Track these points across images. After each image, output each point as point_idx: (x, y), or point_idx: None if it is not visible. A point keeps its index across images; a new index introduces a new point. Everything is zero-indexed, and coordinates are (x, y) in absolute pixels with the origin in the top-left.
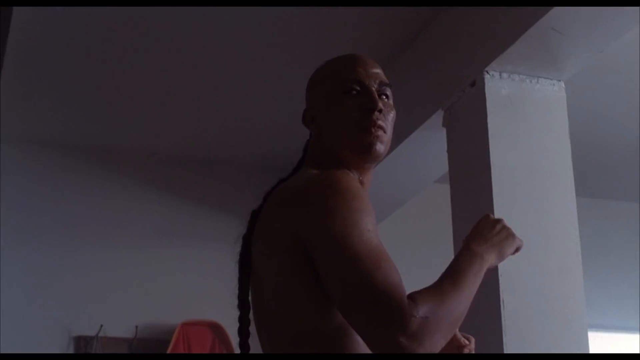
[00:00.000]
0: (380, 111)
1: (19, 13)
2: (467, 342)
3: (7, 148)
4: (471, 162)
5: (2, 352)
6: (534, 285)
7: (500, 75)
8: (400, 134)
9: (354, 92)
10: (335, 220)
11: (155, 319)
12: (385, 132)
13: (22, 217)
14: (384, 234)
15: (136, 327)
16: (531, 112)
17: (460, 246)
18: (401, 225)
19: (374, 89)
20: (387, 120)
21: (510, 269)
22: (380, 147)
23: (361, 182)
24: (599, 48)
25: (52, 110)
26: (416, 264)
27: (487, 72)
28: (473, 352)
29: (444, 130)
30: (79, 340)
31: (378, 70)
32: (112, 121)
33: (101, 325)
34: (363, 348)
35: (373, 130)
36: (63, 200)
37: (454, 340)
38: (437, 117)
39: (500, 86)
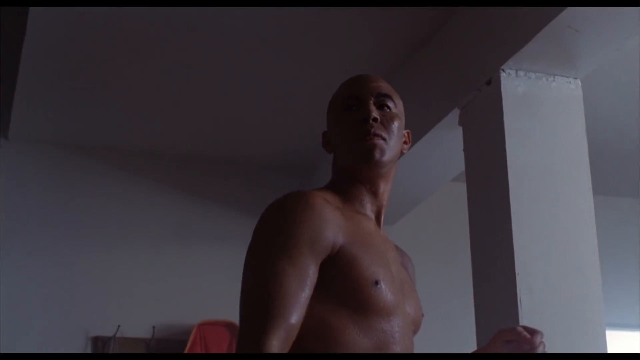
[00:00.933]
0: (375, 120)
1: (34, 14)
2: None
3: (19, 147)
4: (487, 161)
5: (20, 352)
6: (551, 284)
7: (516, 73)
8: (417, 133)
9: (353, 107)
10: (251, 251)
11: (173, 319)
12: (384, 139)
13: (36, 218)
14: (400, 232)
15: (153, 327)
16: (547, 110)
17: (477, 245)
18: (417, 224)
19: (370, 100)
20: (389, 129)
21: (527, 268)
22: (378, 154)
23: (374, 193)
24: (616, 45)
25: (64, 109)
26: (433, 263)
27: (503, 71)
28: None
29: (460, 129)
30: (96, 340)
31: (379, 84)
32: (125, 120)
33: (118, 326)
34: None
35: (368, 138)
36: (78, 200)
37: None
38: (453, 116)
39: (517, 84)
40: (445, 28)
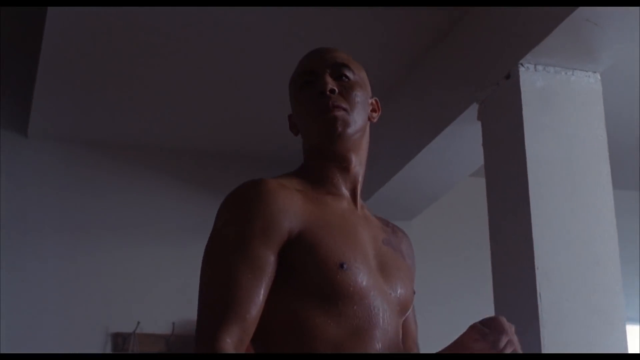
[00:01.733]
0: (333, 92)
1: (53, 13)
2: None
3: (39, 145)
4: (506, 155)
5: (41, 350)
6: (571, 278)
7: (535, 67)
8: (435, 128)
9: (310, 83)
10: (207, 245)
11: (192, 315)
12: (345, 110)
13: (56, 215)
14: (419, 227)
15: (173, 323)
16: (567, 104)
17: (497, 239)
18: (437, 219)
19: (326, 73)
20: (349, 99)
21: (546, 262)
22: (340, 126)
23: (345, 169)
24: (635, 39)
25: (83, 107)
26: (452, 258)
27: (522, 65)
28: (515, 344)
29: (479, 124)
30: (116, 337)
31: (334, 54)
32: (144, 117)
33: (138, 322)
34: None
35: (328, 112)
36: (98, 197)
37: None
38: (472, 111)
39: (535, 79)
40: (463, 23)
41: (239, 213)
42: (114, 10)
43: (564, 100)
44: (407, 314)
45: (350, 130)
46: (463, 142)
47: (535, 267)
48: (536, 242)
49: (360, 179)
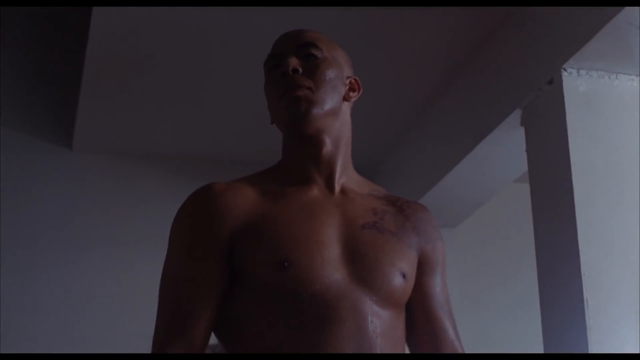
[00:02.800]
0: (296, 71)
1: (96, 25)
2: None
3: (84, 158)
4: (551, 161)
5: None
6: (618, 284)
7: (578, 72)
8: (479, 134)
9: (274, 67)
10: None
11: None
12: (310, 88)
13: (101, 227)
14: (463, 235)
15: None
16: (610, 109)
17: (542, 245)
18: (481, 226)
19: (291, 54)
20: (315, 77)
21: (593, 268)
22: (304, 105)
23: (316, 154)
24: None
25: (127, 119)
26: (497, 265)
27: (565, 70)
28: None
29: (522, 129)
30: None
31: (300, 35)
32: (189, 129)
33: None
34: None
35: (289, 90)
36: (142, 209)
37: None
38: (515, 116)
39: (578, 83)
40: (505, 28)
41: (181, 225)
42: (158, 20)
43: (607, 104)
44: (401, 300)
45: (316, 110)
46: (506, 148)
47: (582, 273)
48: (582, 247)
49: (340, 161)
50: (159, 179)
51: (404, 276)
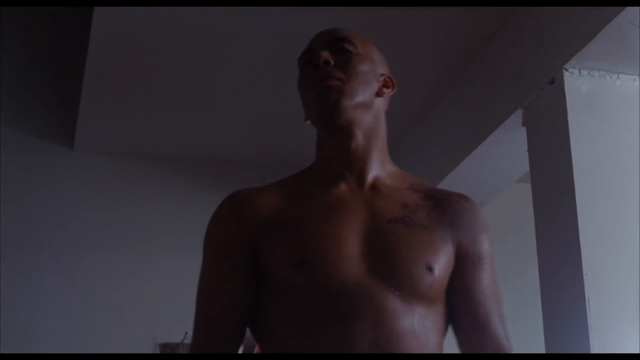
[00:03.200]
0: (327, 63)
1: (98, 25)
2: None
3: (85, 158)
4: (552, 161)
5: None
6: (619, 284)
7: (579, 72)
8: (480, 135)
9: (307, 62)
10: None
11: None
12: (341, 79)
13: (103, 227)
14: None
15: None
16: (612, 109)
17: (544, 245)
18: None
19: (324, 48)
20: (347, 69)
21: (594, 268)
22: (334, 94)
23: (347, 147)
24: None
25: (128, 119)
26: (499, 265)
27: (566, 70)
28: None
29: (524, 129)
30: (164, 347)
31: (334, 30)
32: (189, 129)
33: (186, 332)
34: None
35: (320, 81)
36: (144, 209)
37: None
38: (517, 116)
39: (580, 83)
40: (507, 29)
41: (209, 232)
42: (160, 21)
43: (609, 104)
44: (429, 294)
45: (347, 101)
46: (508, 148)
47: (584, 273)
48: (584, 247)
49: (373, 156)
50: (159, 179)
51: (430, 269)
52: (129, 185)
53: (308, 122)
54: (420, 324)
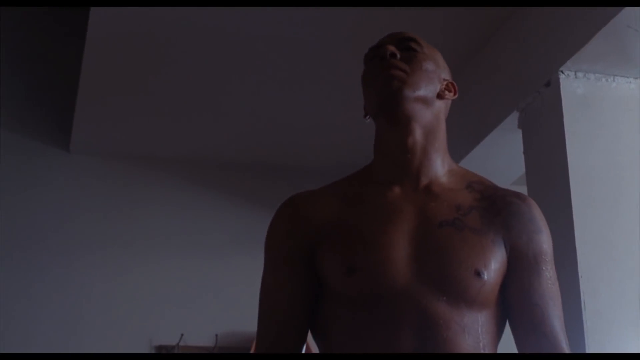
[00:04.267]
0: (394, 56)
1: (94, 27)
2: None
3: (81, 160)
4: (548, 163)
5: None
6: (615, 287)
7: (575, 74)
8: (476, 137)
9: (374, 57)
10: None
11: (236, 327)
12: (405, 71)
13: (99, 229)
14: None
15: (216, 335)
16: (608, 111)
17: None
18: None
19: (390, 44)
20: (412, 64)
21: (590, 271)
22: (397, 83)
23: (405, 144)
24: None
25: (125, 122)
26: None
27: (562, 72)
28: None
29: (520, 132)
30: (160, 349)
31: (402, 32)
32: (186, 131)
33: (182, 334)
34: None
35: (385, 69)
36: (139, 211)
37: None
38: (513, 119)
39: (576, 86)
40: (503, 31)
41: (268, 237)
42: (157, 24)
43: (605, 106)
44: (479, 299)
45: (408, 91)
46: (504, 150)
47: (579, 275)
48: (580, 250)
49: (431, 155)
50: (155, 181)
51: (479, 274)
52: (125, 187)
53: (368, 119)
54: (469, 329)
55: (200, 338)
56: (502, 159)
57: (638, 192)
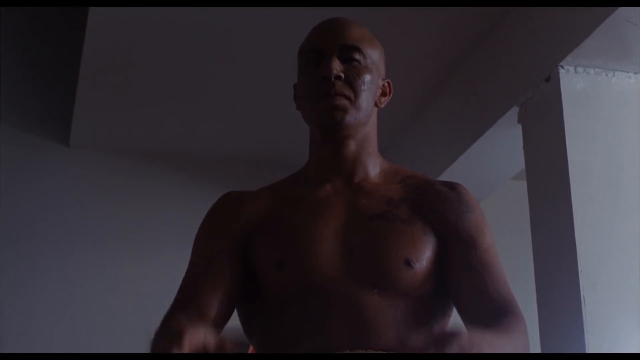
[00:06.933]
0: (339, 78)
1: (93, 22)
2: None
3: (80, 154)
4: (548, 158)
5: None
6: (615, 282)
7: (575, 69)
8: (476, 132)
9: (316, 62)
10: None
11: (235, 323)
12: (349, 99)
13: (98, 224)
14: None
15: None
16: (608, 106)
17: (539, 242)
18: None
19: (334, 54)
20: (355, 86)
21: (590, 266)
22: (339, 115)
23: (341, 154)
24: None
25: (124, 116)
26: None
27: (562, 67)
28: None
29: (520, 127)
30: None
31: (345, 33)
32: (186, 126)
33: None
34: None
35: (328, 97)
36: (139, 207)
37: None
38: (512, 114)
39: (576, 81)
40: (502, 26)
41: (199, 230)
42: (155, 20)
43: (605, 101)
44: (411, 287)
45: (350, 120)
46: (504, 145)
47: (579, 270)
48: (579, 245)
49: (363, 161)
50: (155, 176)
51: (410, 264)
52: (125, 182)
53: (299, 112)
54: (403, 321)
55: None
56: (501, 153)
57: (638, 187)
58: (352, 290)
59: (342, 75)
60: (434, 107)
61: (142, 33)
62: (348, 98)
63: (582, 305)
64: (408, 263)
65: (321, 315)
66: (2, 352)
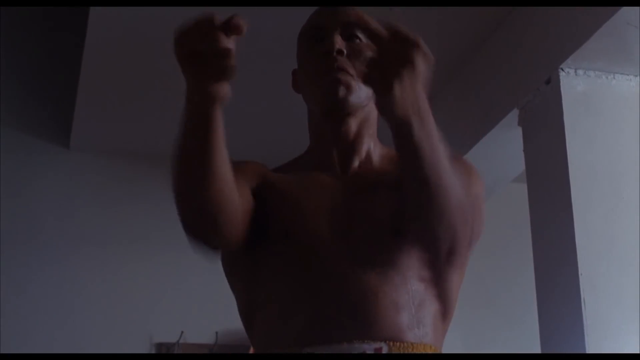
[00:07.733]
0: (341, 53)
1: (94, 25)
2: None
3: (80, 157)
4: (548, 161)
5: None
6: (615, 284)
7: (575, 72)
8: (476, 134)
9: (318, 40)
10: None
11: (236, 325)
12: (352, 75)
13: (98, 226)
14: None
15: (216, 333)
16: (608, 109)
17: (539, 245)
18: None
19: (336, 31)
20: (357, 61)
21: (590, 268)
22: (342, 91)
23: (340, 133)
24: None
25: (125, 119)
26: (494, 265)
27: (562, 70)
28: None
29: (520, 129)
30: (160, 347)
31: (347, 12)
32: None
33: (182, 332)
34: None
35: (331, 72)
36: (139, 209)
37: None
38: (513, 116)
39: (576, 83)
40: (503, 28)
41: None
42: (156, 22)
43: (605, 104)
44: (401, 257)
45: (353, 97)
46: (504, 148)
47: (579, 273)
48: (579, 247)
49: (363, 141)
50: (155, 178)
51: (397, 232)
52: (125, 184)
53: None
54: (397, 289)
55: (201, 335)
56: (502, 156)
57: (638, 190)
58: (345, 265)
59: (345, 51)
60: (434, 109)
61: (143, 35)
62: (351, 75)
63: (583, 308)
64: (397, 232)
65: (317, 288)
66: (2, 352)
